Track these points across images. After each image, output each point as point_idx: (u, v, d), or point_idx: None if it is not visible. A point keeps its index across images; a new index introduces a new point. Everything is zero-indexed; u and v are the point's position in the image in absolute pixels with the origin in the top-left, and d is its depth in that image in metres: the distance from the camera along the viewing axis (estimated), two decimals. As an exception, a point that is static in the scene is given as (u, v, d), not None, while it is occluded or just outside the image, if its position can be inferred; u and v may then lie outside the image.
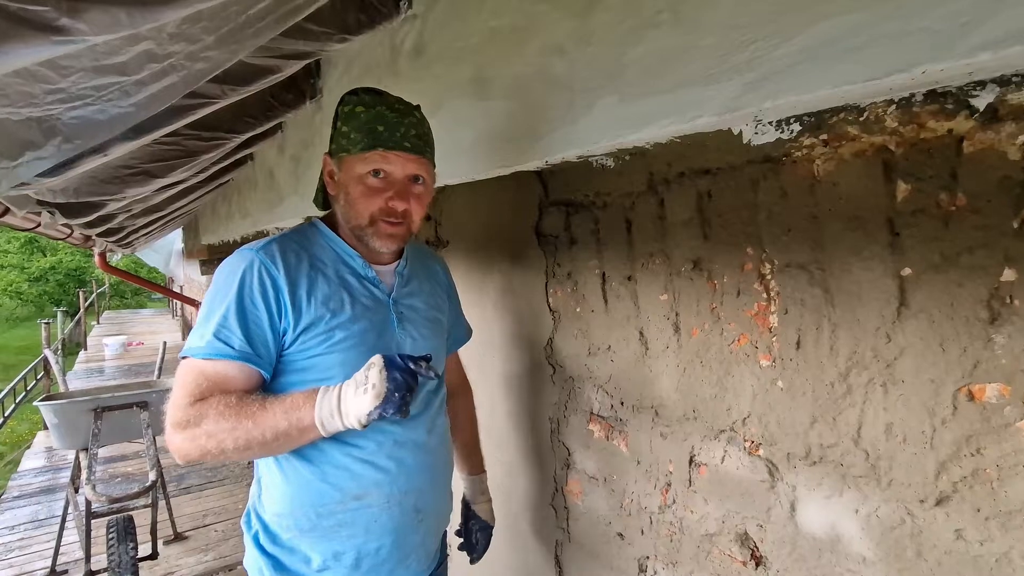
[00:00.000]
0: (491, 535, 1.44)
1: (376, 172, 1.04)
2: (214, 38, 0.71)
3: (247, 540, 1.14)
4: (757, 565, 1.00)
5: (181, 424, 0.96)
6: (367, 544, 1.08)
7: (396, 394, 0.87)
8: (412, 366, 0.91)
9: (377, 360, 0.92)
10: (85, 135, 0.90)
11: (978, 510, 0.71)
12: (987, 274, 0.68)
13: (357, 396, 0.90)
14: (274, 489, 1.09)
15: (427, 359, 0.94)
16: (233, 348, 0.97)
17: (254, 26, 0.77)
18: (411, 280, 1.20)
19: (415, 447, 1.13)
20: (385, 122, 1.04)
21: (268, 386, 1.04)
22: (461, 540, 1.45)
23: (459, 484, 1.45)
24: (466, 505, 1.46)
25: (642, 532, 1.25)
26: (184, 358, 1.01)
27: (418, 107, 1.13)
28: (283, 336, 1.02)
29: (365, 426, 0.90)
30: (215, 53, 0.79)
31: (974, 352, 0.70)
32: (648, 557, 1.24)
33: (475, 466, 1.47)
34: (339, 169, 1.08)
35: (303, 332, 1.01)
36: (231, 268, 1.02)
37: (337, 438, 1.02)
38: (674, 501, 1.16)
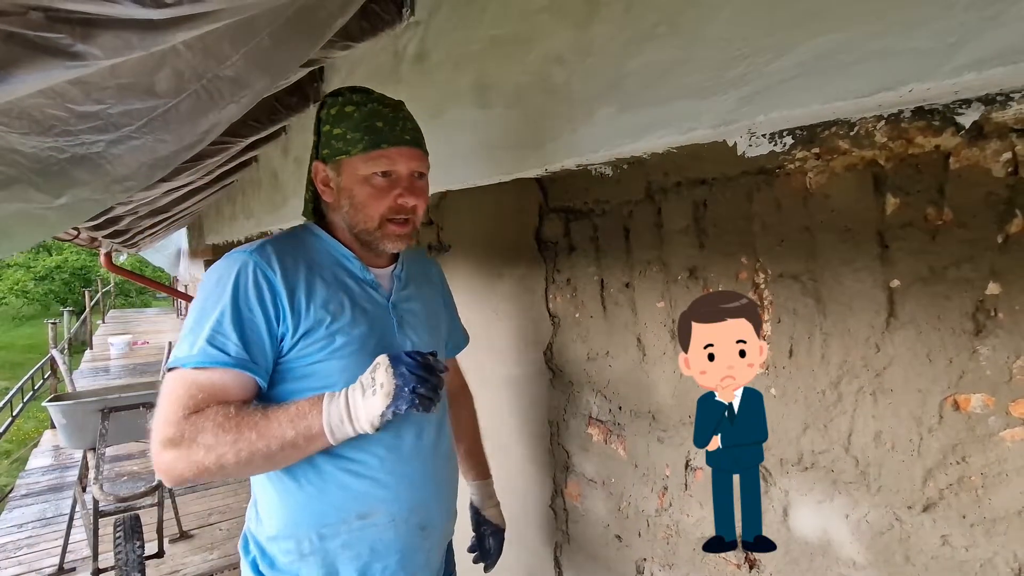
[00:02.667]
0: (503, 539, 1.42)
1: (385, 172, 1.02)
2: (241, 56, 0.72)
3: (244, 566, 1.09)
4: (751, 568, 1.02)
5: (174, 441, 0.90)
6: (372, 565, 1.05)
7: (406, 389, 0.87)
8: (419, 358, 0.90)
9: (382, 359, 0.92)
10: (134, 175, 0.89)
11: (963, 516, 0.73)
12: (973, 287, 0.69)
13: (366, 399, 0.89)
14: (272, 510, 1.05)
15: (434, 354, 0.94)
16: (229, 355, 0.92)
17: (284, 44, 0.78)
18: (409, 284, 1.18)
19: (419, 458, 1.09)
20: (382, 118, 1.02)
21: (264, 396, 1.00)
22: (475, 552, 1.42)
23: (465, 491, 1.43)
24: (476, 511, 1.43)
25: (639, 535, 1.27)
26: (172, 369, 0.95)
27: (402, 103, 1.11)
28: (281, 342, 0.98)
29: (378, 428, 0.90)
30: (254, 79, 0.78)
31: (960, 363, 0.71)
32: (645, 559, 1.26)
33: (481, 471, 1.45)
34: (338, 173, 1.04)
35: (302, 337, 0.98)
36: (223, 271, 0.98)
37: (334, 455, 1.00)
38: (670, 504, 1.17)
